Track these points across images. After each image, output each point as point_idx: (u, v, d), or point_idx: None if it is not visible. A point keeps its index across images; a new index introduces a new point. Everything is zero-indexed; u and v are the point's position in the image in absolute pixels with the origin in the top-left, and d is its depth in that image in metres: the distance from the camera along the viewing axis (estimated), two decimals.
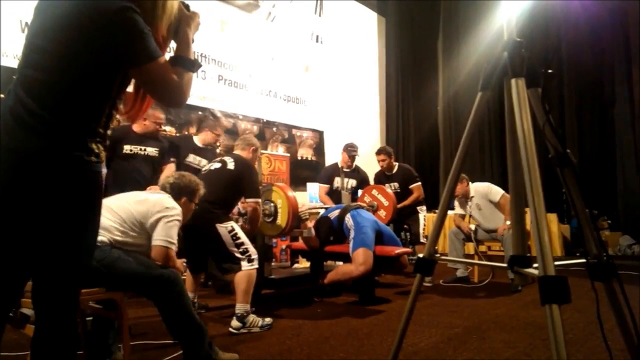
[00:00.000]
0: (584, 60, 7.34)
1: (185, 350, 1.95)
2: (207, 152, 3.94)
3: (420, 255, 1.38)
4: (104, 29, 1.06)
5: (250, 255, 2.76)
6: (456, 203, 4.47)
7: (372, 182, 4.84)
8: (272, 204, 3.30)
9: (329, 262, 4.04)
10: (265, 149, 5.67)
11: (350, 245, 3.37)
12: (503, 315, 3.01)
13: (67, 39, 1.07)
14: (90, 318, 2.12)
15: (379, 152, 4.75)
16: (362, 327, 2.76)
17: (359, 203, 4.20)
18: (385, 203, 4.31)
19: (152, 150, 3.46)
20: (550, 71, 1.13)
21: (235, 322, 2.66)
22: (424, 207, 4.72)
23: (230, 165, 2.96)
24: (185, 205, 2.17)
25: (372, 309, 3.25)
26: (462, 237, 4.30)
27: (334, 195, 4.57)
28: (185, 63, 1.20)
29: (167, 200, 2.09)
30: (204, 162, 3.76)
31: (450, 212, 4.31)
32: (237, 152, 3.16)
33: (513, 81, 1.14)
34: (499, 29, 1.30)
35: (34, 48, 1.10)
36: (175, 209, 2.05)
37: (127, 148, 3.35)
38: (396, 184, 4.66)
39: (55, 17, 1.09)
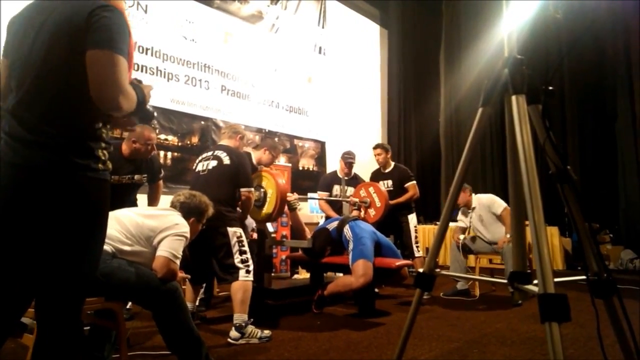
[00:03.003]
0: (585, 74, 7.37)
1: None
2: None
3: (421, 270, 1.37)
4: (84, 26, 1.10)
5: (249, 267, 2.76)
6: (459, 213, 4.47)
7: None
8: (261, 190, 3.25)
9: (329, 274, 4.03)
10: None
11: (350, 257, 3.35)
12: (504, 329, 2.99)
13: (61, 52, 1.11)
14: (88, 327, 2.11)
15: (376, 147, 4.72)
16: (362, 339, 2.74)
17: (353, 200, 4.18)
18: (378, 204, 4.26)
19: (139, 177, 3.15)
20: (550, 88, 1.13)
21: (234, 333, 2.64)
22: (414, 216, 4.59)
23: (226, 160, 2.93)
24: (193, 225, 2.18)
25: (372, 321, 3.23)
26: (465, 249, 4.29)
27: (334, 204, 4.55)
28: (138, 89, 1.20)
29: (177, 217, 2.10)
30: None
31: (451, 224, 4.30)
32: (224, 142, 3.10)
33: (514, 98, 1.14)
34: (500, 42, 1.31)
35: (24, 67, 1.13)
36: (185, 227, 2.06)
37: (113, 178, 2.89)
38: (390, 182, 4.62)
39: (46, 34, 1.13)
